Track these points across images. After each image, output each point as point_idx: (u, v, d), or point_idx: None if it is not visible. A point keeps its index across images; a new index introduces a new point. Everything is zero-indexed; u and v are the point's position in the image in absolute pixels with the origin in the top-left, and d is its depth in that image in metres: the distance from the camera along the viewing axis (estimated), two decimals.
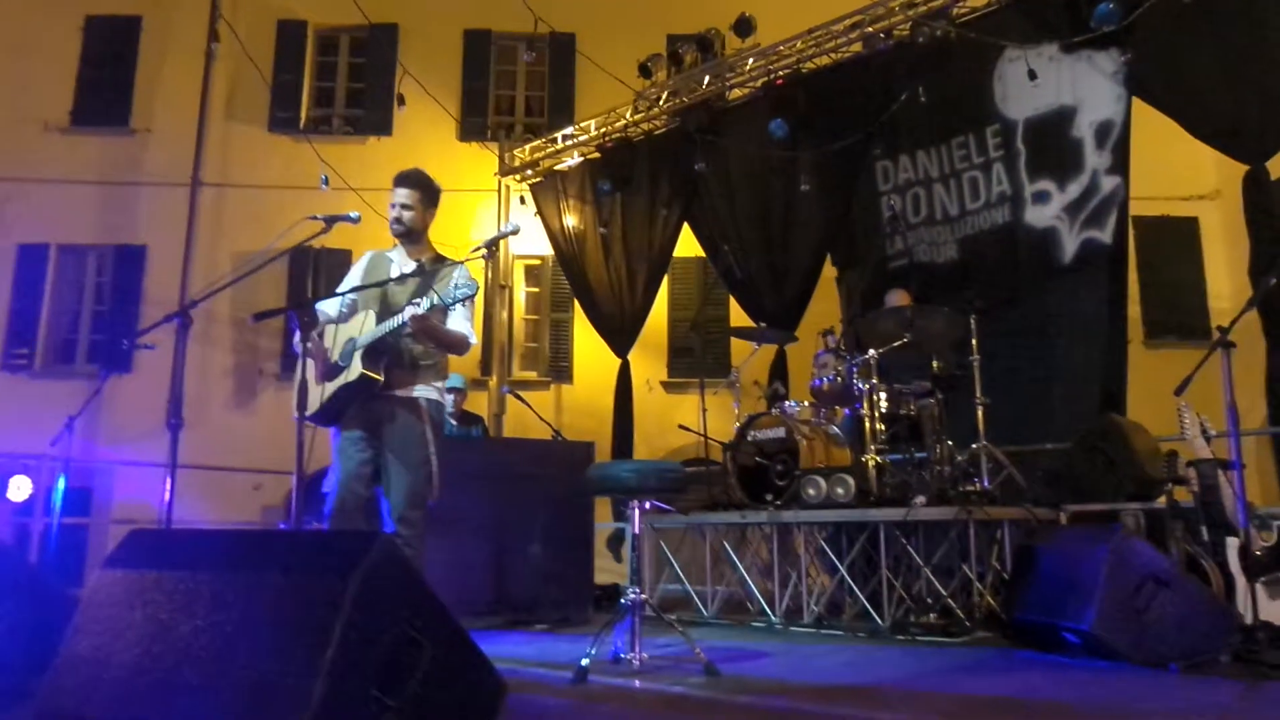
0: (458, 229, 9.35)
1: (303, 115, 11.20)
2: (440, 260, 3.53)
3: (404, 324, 3.21)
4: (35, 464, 6.53)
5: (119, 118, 11.06)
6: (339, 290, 3.52)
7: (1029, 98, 6.13)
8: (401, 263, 3.52)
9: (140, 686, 1.90)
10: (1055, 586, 3.52)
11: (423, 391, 3.39)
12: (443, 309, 3.26)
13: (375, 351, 3.25)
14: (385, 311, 3.34)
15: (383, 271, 3.51)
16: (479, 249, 3.29)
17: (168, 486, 3.36)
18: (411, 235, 3.54)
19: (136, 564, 2.11)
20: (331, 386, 3.32)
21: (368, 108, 11.19)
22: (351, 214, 3.38)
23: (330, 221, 3.36)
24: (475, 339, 3.46)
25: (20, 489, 6.32)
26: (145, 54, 11.23)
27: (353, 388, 3.25)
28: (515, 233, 3.49)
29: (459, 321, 3.42)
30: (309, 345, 3.24)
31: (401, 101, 9.07)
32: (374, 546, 1.80)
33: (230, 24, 10.57)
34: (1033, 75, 5.85)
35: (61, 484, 5.75)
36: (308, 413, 3.29)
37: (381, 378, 3.26)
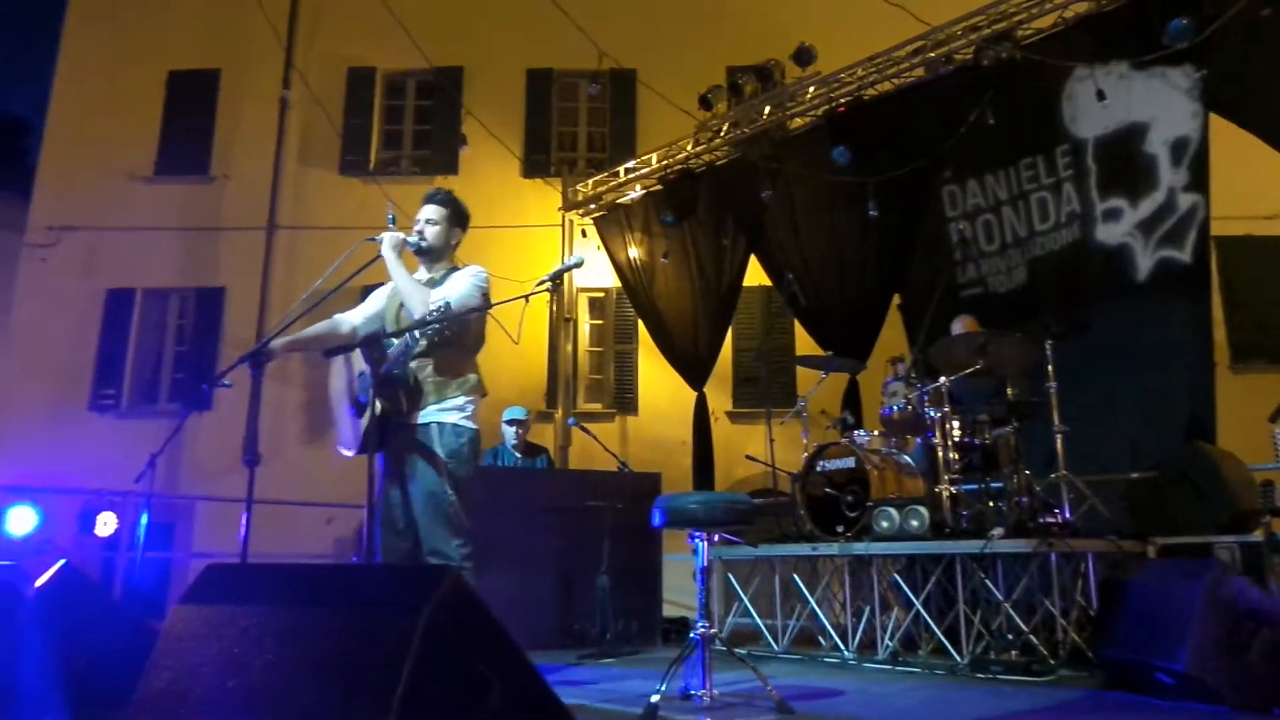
0: (522, 264, 9.46)
1: (372, 158, 11.55)
2: (453, 270, 3.43)
3: (409, 348, 3.15)
4: (121, 500, 6.75)
5: (200, 166, 11.55)
6: (394, 330, 3.46)
7: (1099, 116, 5.97)
8: None
9: None
10: (1146, 623, 3.35)
11: (435, 415, 3.25)
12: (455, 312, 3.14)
13: (388, 384, 3.18)
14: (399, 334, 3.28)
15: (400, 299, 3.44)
16: (543, 282, 3.30)
17: (243, 522, 3.41)
18: (432, 253, 3.44)
19: (212, 599, 2.14)
20: (364, 421, 3.26)
21: (434, 149, 11.47)
22: (410, 238, 3.41)
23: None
24: (425, 309, 3.16)
25: (106, 525, 6.54)
26: (224, 105, 11.73)
27: (379, 421, 3.18)
28: (579, 265, 3.47)
29: (451, 287, 3.26)
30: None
31: (464, 141, 9.29)
32: (443, 581, 1.80)
33: (303, 74, 10.98)
34: (1101, 96, 5.71)
35: (145, 520, 5.92)
36: (354, 450, 3.30)
37: (404, 406, 3.19)
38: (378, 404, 3.15)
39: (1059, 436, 4.88)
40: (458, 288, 3.26)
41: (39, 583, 3.32)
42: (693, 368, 8.48)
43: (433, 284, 3.36)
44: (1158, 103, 5.71)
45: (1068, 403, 4.95)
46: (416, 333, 3.10)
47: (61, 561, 3.33)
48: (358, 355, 3.24)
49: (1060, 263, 6.20)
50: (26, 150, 17.14)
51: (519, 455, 6.68)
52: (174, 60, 11.84)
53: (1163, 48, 5.50)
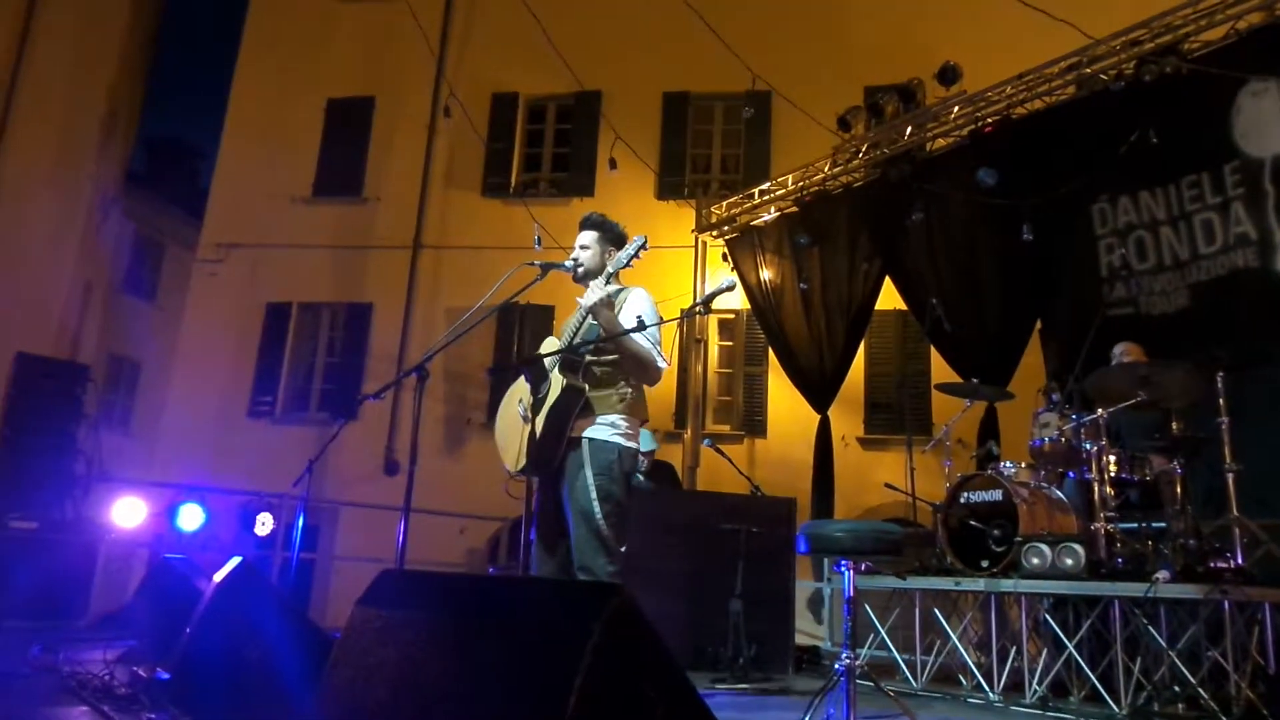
0: (655, 285, 9.43)
1: (513, 180, 11.96)
2: (622, 290, 3.48)
3: (588, 340, 3.21)
4: (277, 502, 7.16)
5: (353, 188, 12.24)
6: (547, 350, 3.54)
7: (1278, 133, 5.58)
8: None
9: None
10: None
11: (588, 431, 3.26)
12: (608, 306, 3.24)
13: (570, 365, 3.20)
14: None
15: (573, 318, 3.51)
16: (696, 306, 3.34)
17: (400, 529, 3.55)
18: (589, 277, 3.50)
19: (388, 604, 2.25)
20: (523, 436, 3.29)
21: (572, 171, 11.79)
22: (566, 263, 3.53)
23: (546, 268, 3.55)
24: (664, 361, 3.23)
25: (264, 525, 6.95)
26: (377, 131, 12.41)
27: (536, 440, 3.20)
28: (731, 288, 3.47)
29: (639, 340, 3.28)
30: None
31: (613, 165, 9.57)
32: (614, 597, 1.84)
33: (451, 99, 11.46)
34: None
35: (301, 522, 6.27)
36: (515, 467, 3.38)
37: (584, 386, 3.22)
38: (532, 421, 3.22)
39: (1230, 476, 4.55)
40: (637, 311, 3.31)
41: (218, 577, 3.56)
42: (817, 389, 8.36)
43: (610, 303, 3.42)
44: None
45: (1240, 440, 4.61)
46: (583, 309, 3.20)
47: (239, 559, 3.55)
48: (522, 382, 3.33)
49: (1229, 289, 5.78)
50: (198, 172, 18.59)
51: (642, 477, 6.73)
52: (333, 89, 12.62)
53: None
